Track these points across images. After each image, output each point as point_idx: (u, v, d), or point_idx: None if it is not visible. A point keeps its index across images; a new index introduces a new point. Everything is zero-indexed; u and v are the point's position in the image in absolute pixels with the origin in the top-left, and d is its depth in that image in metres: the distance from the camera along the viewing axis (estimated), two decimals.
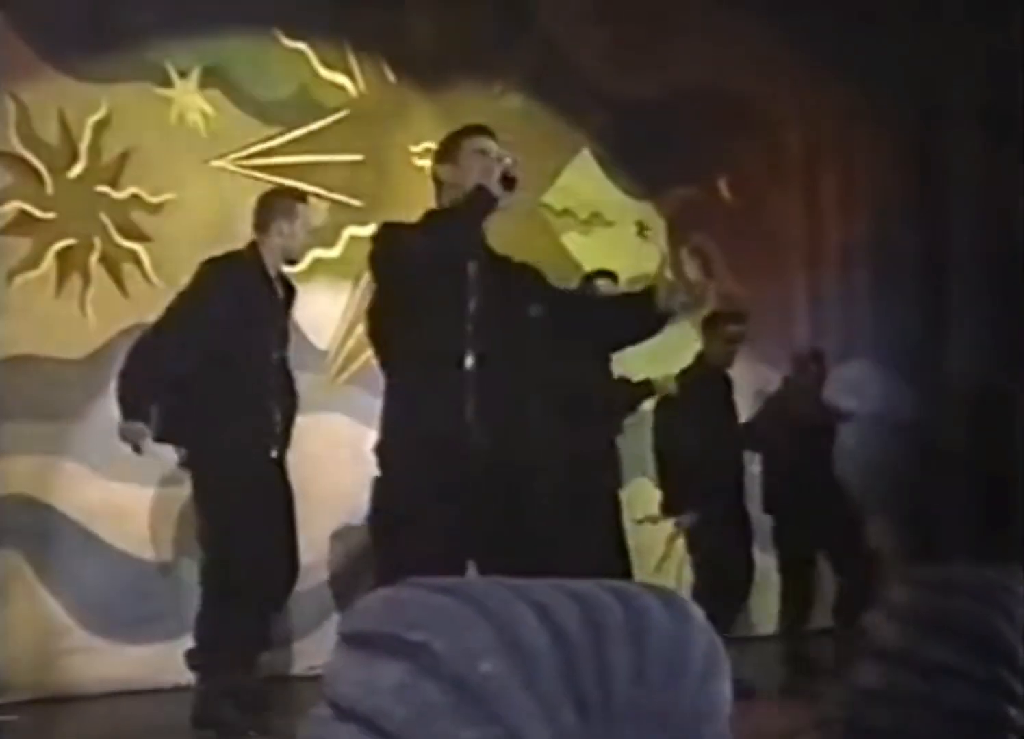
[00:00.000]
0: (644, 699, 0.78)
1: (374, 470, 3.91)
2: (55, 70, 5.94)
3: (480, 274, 3.90)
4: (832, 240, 8.29)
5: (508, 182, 3.79)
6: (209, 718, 4.77)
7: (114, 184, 6.08)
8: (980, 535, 7.34)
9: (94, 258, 6.01)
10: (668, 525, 6.42)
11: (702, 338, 6.39)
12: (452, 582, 0.81)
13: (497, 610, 0.77)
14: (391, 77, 6.84)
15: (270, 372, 4.93)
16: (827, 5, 7.83)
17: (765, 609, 6.88)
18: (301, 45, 6.59)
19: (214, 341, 4.79)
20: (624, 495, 5.92)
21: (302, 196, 5.32)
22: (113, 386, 4.89)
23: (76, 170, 6.02)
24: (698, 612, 0.82)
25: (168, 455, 5.07)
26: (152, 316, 5.04)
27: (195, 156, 6.26)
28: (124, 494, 5.89)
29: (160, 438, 4.86)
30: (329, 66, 6.69)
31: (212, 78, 6.34)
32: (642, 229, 7.60)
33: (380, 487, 3.95)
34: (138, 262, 6.09)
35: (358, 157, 6.70)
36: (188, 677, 4.98)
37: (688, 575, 6.39)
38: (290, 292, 5.12)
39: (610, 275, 5.92)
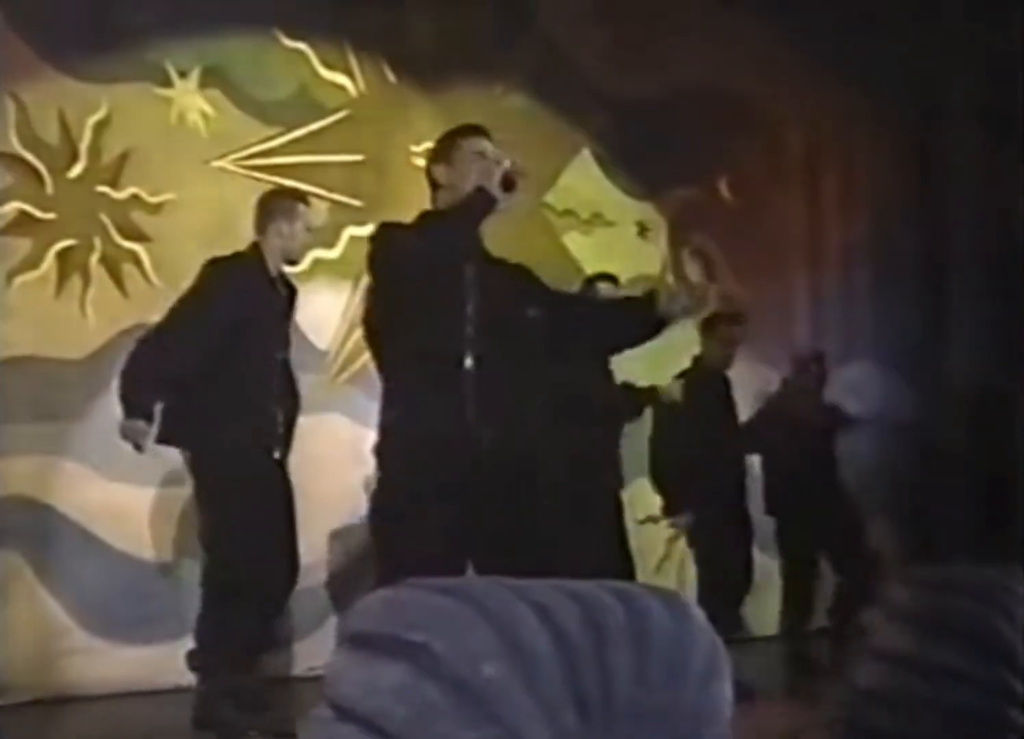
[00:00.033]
0: (645, 700, 0.78)
1: (374, 470, 3.91)
2: (55, 70, 5.93)
3: (478, 276, 3.90)
4: (832, 240, 8.29)
5: (509, 184, 3.79)
6: (210, 719, 4.77)
7: (114, 184, 6.08)
8: (980, 535, 7.34)
9: (94, 258, 6.00)
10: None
11: (701, 339, 6.39)
12: (452, 583, 0.81)
13: (497, 611, 0.77)
14: (391, 77, 6.83)
15: (272, 373, 4.93)
16: (827, 5, 7.83)
17: (766, 610, 6.88)
18: (301, 45, 6.59)
19: (217, 341, 4.79)
20: (625, 495, 5.92)
21: (302, 196, 5.31)
22: (114, 386, 4.89)
23: (76, 170, 6.02)
24: (699, 613, 0.82)
25: (169, 454, 5.07)
26: (152, 316, 5.05)
27: (195, 156, 6.26)
28: (124, 494, 5.89)
29: (162, 439, 4.86)
30: (329, 66, 6.68)
31: (212, 78, 6.34)
32: (643, 229, 7.60)
33: (380, 487, 3.96)
34: (138, 262, 6.09)
35: (358, 157, 6.70)
36: (188, 678, 4.97)
37: (688, 576, 6.39)
38: (291, 293, 5.12)
39: (611, 278, 5.92)
